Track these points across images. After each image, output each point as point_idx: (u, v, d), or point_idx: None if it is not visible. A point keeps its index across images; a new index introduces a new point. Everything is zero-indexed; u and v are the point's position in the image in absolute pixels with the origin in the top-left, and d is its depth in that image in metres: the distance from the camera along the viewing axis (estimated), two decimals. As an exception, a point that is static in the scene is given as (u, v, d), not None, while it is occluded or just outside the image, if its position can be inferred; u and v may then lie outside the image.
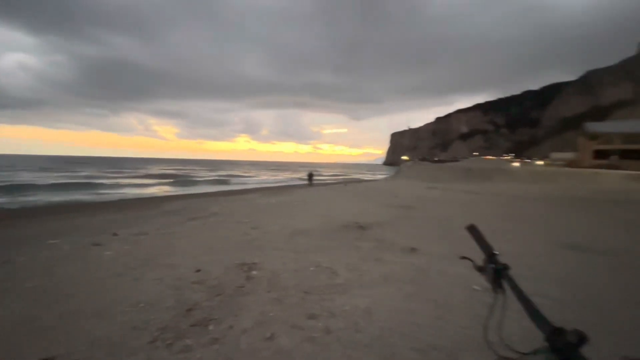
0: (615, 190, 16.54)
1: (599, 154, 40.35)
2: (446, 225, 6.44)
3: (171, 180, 33.37)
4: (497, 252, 0.76)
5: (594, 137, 42.36)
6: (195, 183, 31.61)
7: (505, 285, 0.70)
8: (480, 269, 0.75)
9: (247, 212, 8.57)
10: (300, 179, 39.52)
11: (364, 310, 2.71)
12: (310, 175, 26.99)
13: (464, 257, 0.78)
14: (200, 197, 15.57)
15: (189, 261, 4.10)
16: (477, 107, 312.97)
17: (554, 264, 3.82)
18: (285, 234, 5.71)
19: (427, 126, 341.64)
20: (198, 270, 3.71)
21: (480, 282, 3.30)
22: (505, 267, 0.74)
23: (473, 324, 2.43)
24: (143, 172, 50.04)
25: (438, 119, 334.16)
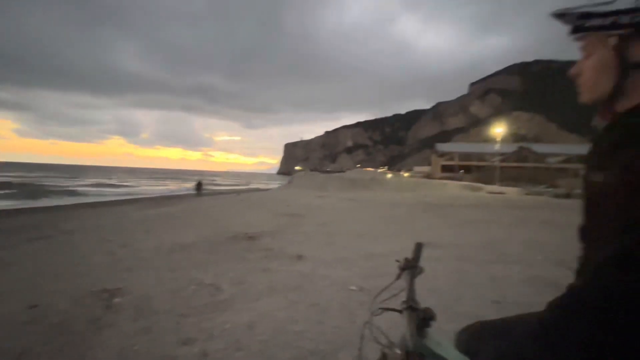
0: (454, 196, 20.96)
1: (445, 168, 51.33)
2: (331, 231, 6.87)
3: (6, 190, 25.66)
4: (418, 261, 0.92)
5: (441, 155, 53.56)
6: (44, 194, 25.17)
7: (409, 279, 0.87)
8: (401, 268, 0.91)
9: (116, 227, 7.27)
10: (191, 188, 36.08)
11: (246, 325, 2.58)
12: (199, 184, 25.04)
13: (397, 260, 0.93)
14: (51, 211, 12.46)
15: (21, 296, 3.16)
16: (360, 124, 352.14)
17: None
18: (163, 250, 5.05)
19: (317, 139, 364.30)
20: (33, 307, 2.88)
21: (356, 282, 3.60)
22: (421, 271, 0.91)
23: (348, 323, 2.60)
24: (-41, 179, 37.11)
25: (327, 133, 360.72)
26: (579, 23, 0.64)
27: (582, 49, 0.66)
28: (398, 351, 0.71)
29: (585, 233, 0.69)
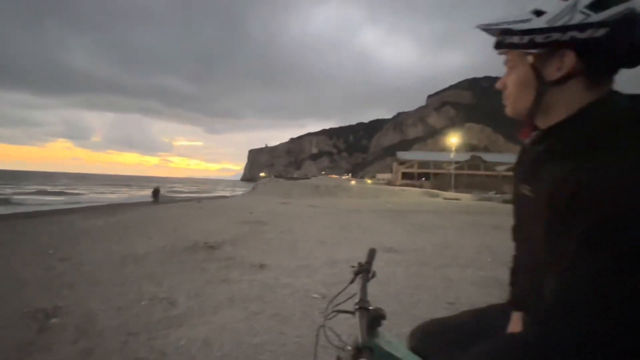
0: (414, 202, 21.67)
1: (406, 175, 53.70)
2: (294, 238, 6.80)
3: None
4: (371, 265, 0.97)
5: (402, 162, 56.08)
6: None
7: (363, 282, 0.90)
8: (355, 273, 0.94)
9: (56, 239, 6.60)
10: (148, 196, 33.84)
11: (202, 341, 2.44)
12: (156, 191, 23.67)
13: (352, 266, 0.96)
14: (-22, 222, 11.01)
15: None
16: (324, 132, 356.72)
17: (376, 264, 4.57)
18: (112, 263, 4.66)
19: (282, 145, 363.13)
20: (-53, 333, 2.49)
21: (319, 290, 3.58)
22: (373, 275, 0.94)
23: (310, 331, 2.56)
24: None
25: (292, 140, 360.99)
26: (501, 39, 0.65)
27: (506, 63, 0.68)
28: (349, 347, 0.71)
29: (517, 235, 0.79)
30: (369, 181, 59.15)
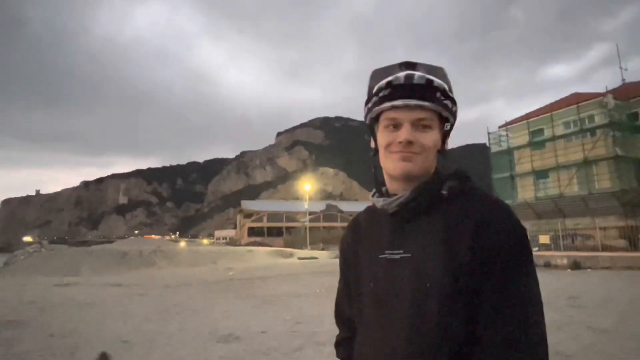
0: (263, 266, 22.28)
1: (253, 232, 54.57)
2: (75, 343, 5.56)
3: None
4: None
5: (248, 215, 57.13)
6: None
7: None
8: None
9: None
10: None
11: None
12: None
13: None
14: None
15: None
16: (140, 173, 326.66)
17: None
18: None
19: (69, 192, 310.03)
20: None
21: None
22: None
23: None
24: None
25: (86, 184, 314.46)
26: (439, 96, 0.79)
27: (416, 121, 0.79)
28: None
29: (379, 310, 0.89)
30: (205, 241, 57.06)
